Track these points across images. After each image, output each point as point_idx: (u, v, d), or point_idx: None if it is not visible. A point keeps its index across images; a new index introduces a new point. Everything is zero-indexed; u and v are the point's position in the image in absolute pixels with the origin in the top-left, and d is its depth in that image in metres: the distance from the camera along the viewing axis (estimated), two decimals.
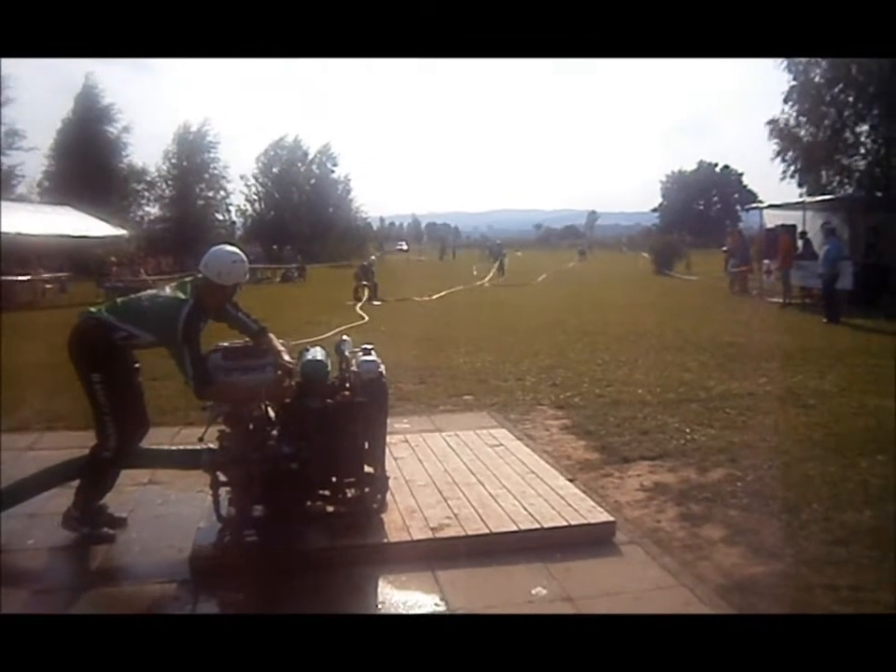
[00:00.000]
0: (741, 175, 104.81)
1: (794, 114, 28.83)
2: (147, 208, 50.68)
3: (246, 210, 58.14)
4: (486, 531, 4.33)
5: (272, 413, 4.48)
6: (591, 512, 4.58)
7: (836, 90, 27.07)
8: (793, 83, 28.03)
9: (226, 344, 4.44)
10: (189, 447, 4.62)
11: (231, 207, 55.29)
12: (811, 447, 6.18)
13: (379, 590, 3.86)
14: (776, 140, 29.42)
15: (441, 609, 3.63)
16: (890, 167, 27.14)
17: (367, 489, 4.46)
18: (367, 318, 16.19)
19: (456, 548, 4.20)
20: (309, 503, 4.47)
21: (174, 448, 4.97)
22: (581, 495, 4.89)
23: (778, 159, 29.75)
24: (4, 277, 20.46)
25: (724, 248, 24.53)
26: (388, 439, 4.71)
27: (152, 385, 6.12)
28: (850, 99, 27.02)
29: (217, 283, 4.31)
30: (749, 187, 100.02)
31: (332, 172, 62.57)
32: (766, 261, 21.65)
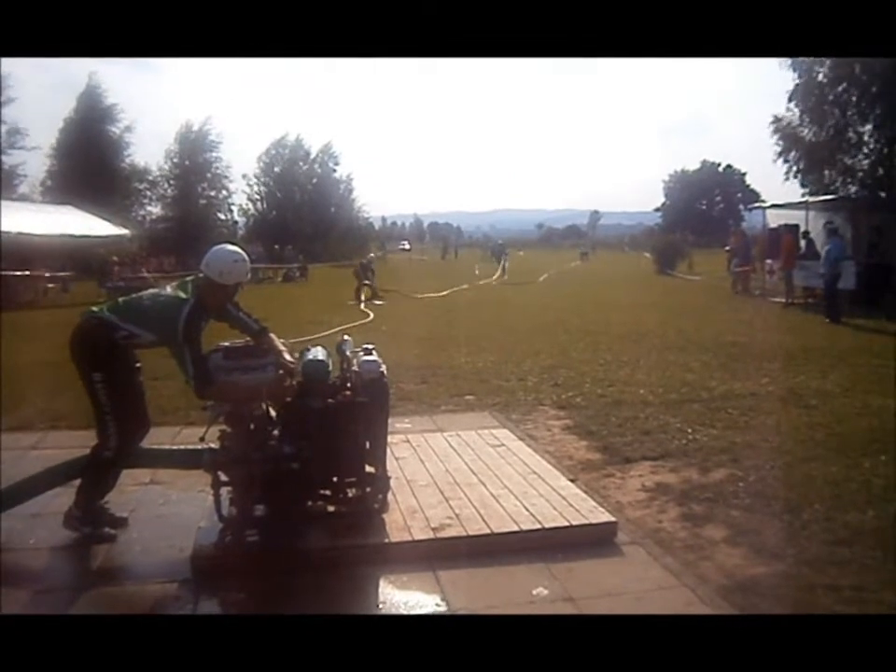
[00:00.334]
0: (744, 174, 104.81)
1: (798, 113, 28.77)
2: (149, 208, 50.76)
3: (248, 209, 58.19)
4: (488, 531, 4.33)
5: (273, 413, 4.47)
6: (592, 513, 4.57)
7: (840, 89, 27.00)
8: (798, 81, 27.97)
9: (227, 344, 4.44)
10: (191, 447, 4.62)
11: (233, 207, 55.33)
12: (813, 447, 6.17)
13: (380, 590, 3.85)
14: (779, 139, 29.36)
15: (443, 609, 3.63)
16: (893, 167, 27.08)
17: (368, 489, 4.46)
18: (372, 316, 16.20)
19: (458, 548, 4.19)
20: (310, 503, 4.46)
21: (175, 448, 4.97)
22: (582, 495, 4.88)
23: (781, 159, 29.71)
24: (3, 272, 20.44)
25: (727, 248, 24.52)
26: (390, 438, 4.71)
27: (153, 384, 6.12)
28: (854, 98, 26.96)
29: (219, 282, 4.31)
30: (753, 186, 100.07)
31: (334, 171, 62.60)
32: (769, 261, 21.65)
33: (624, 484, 5.44)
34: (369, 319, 15.79)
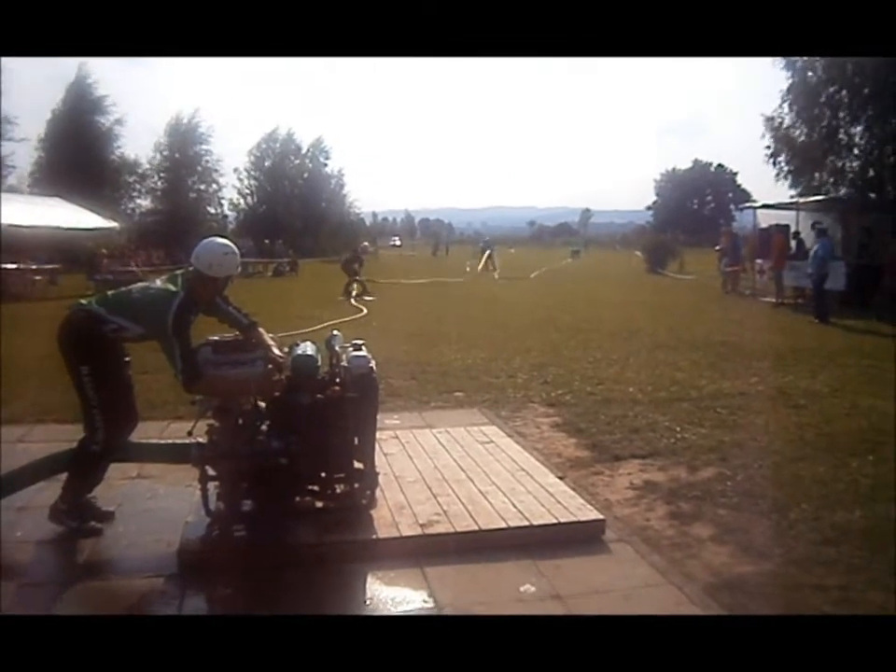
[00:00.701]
0: (735, 174, 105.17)
1: (790, 113, 28.87)
2: (138, 200, 50.40)
3: (239, 204, 57.97)
4: (475, 528, 4.32)
5: (261, 408, 4.45)
6: (580, 510, 4.57)
7: (832, 90, 27.10)
8: (792, 80, 28.05)
9: (216, 338, 4.42)
10: (179, 441, 4.60)
11: (223, 200, 55.09)
12: (802, 447, 6.19)
13: (367, 586, 3.85)
14: (770, 138, 29.44)
15: (430, 605, 3.62)
16: (884, 168, 27.21)
17: (356, 485, 4.45)
18: (365, 311, 16.18)
19: (445, 544, 4.19)
20: (298, 498, 4.46)
21: (163, 442, 4.95)
22: (570, 492, 4.88)
23: (772, 160, 29.79)
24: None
25: (717, 248, 24.58)
26: (378, 434, 4.71)
27: (142, 378, 6.09)
28: (846, 100, 27.06)
29: (209, 275, 4.29)
30: (744, 186, 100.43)
31: (325, 166, 62.40)
32: (759, 261, 21.70)
33: (613, 482, 5.45)
34: (360, 315, 15.75)
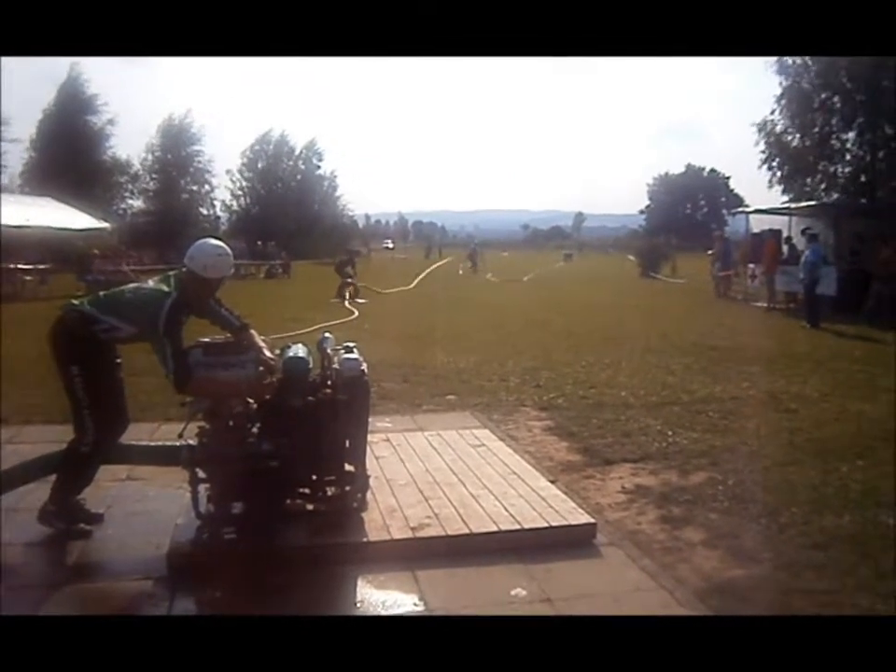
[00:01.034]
0: (728, 178, 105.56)
1: (783, 119, 29.02)
2: (130, 201, 50.34)
3: (231, 205, 57.95)
4: (467, 531, 4.32)
5: (253, 410, 4.44)
6: (572, 514, 4.57)
7: (825, 96, 27.26)
8: (785, 85, 28.19)
9: (207, 340, 4.41)
10: (169, 443, 4.58)
11: (215, 202, 55.05)
12: (792, 451, 6.21)
13: (358, 589, 3.84)
14: (764, 143, 29.56)
15: (420, 608, 3.62)
16: (875, 174, 27.36)
17: (347, 488, 4.44)
18: (356, 314, 16.16)
19: (436, 548, 4.19)
20: (289, 501, 4.45)
21: (153, 444, 4.93)
22: (562, 496, 4.88)
23: (765, 166, 29.93)
24: None
25: (710, 252, 24.65)
26: (370, 437, 4.70)
27: (133, 380, 6.05)
28: (838, 106, 27.22)
29: (202, 276, 4.28)
30: (736, 191, 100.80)
31: (318, 168, 62.46)
32: (751, 266, 21.77)
33: (604, 486, 5.45)
34: (352, 317, 15.74)
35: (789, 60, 27.55)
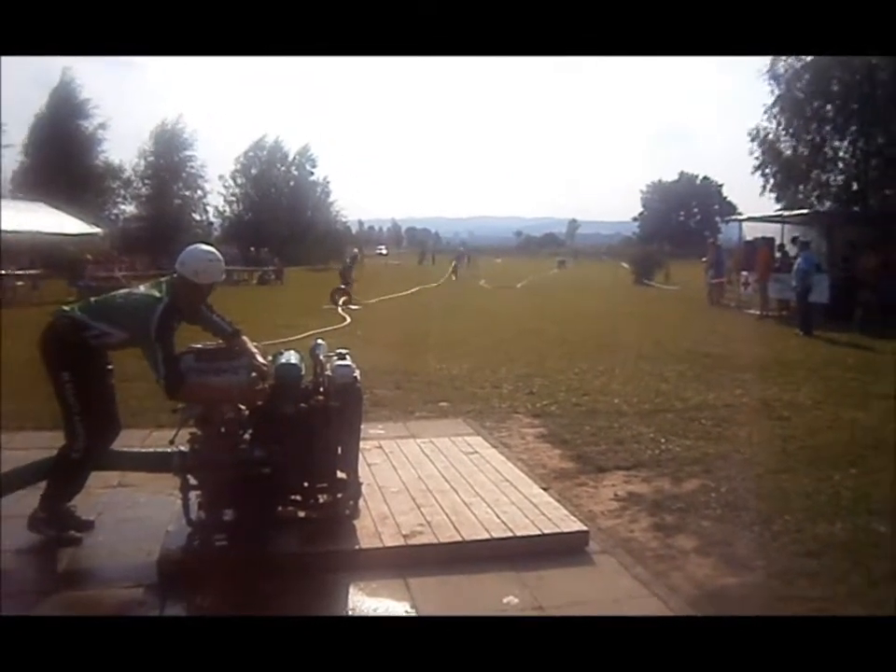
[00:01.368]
0: (721, 186, 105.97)
1: (776, 127, 29.15)
2: (122, 206, 50.17)
3: (224, 211, 57.85)
4: (459, 539, 4.31)
5: (244, 416, 4.42)
6: (564, 521, 4.56)
7: (817, 104, 27.40)
8: (778, 93, 28.31)
9: (199, 346, 4.40)
10: (160, 450, 4.56)
11: (208, 207, 54.95)
12: (785, 459, 6.21)
13: (350, 596, 3.82)
14: (757, 151, 29.69)
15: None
16: (867, 182, 27.50)
17: (339, 495, 4.43)
18: (349, 320, 16.14)
19: (429, 555, 4.17)
20: (280, 508, 4.43)
21: (144, 450, 4.92)
22: (554, 503, 4.87)
23: (758, 173, 30.05)
24: None
25: (704, 259, 24.72)
26: (362, 444, 4.68)
27: (124, 386, 6.03)
28: (831, 114, 27.36)
29: (194, 282, 4.27)
30: (730, 199, 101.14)
31: (311, 174, 62.45)
32: (744, 273, 21.84)
33: (597, 494, 5.44)
34: (345, 324, 15.72)
35: (781, 68, 27.75)
